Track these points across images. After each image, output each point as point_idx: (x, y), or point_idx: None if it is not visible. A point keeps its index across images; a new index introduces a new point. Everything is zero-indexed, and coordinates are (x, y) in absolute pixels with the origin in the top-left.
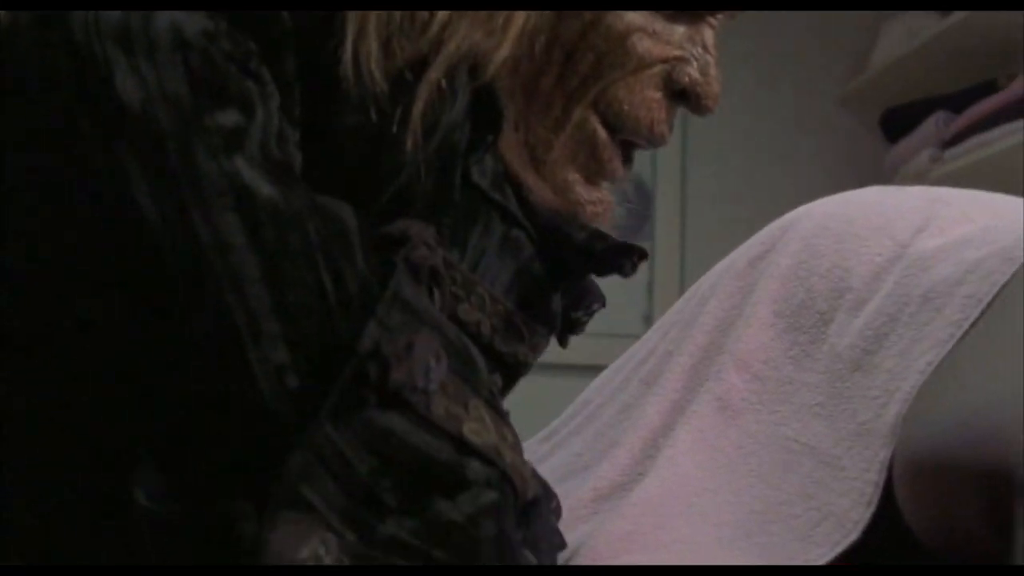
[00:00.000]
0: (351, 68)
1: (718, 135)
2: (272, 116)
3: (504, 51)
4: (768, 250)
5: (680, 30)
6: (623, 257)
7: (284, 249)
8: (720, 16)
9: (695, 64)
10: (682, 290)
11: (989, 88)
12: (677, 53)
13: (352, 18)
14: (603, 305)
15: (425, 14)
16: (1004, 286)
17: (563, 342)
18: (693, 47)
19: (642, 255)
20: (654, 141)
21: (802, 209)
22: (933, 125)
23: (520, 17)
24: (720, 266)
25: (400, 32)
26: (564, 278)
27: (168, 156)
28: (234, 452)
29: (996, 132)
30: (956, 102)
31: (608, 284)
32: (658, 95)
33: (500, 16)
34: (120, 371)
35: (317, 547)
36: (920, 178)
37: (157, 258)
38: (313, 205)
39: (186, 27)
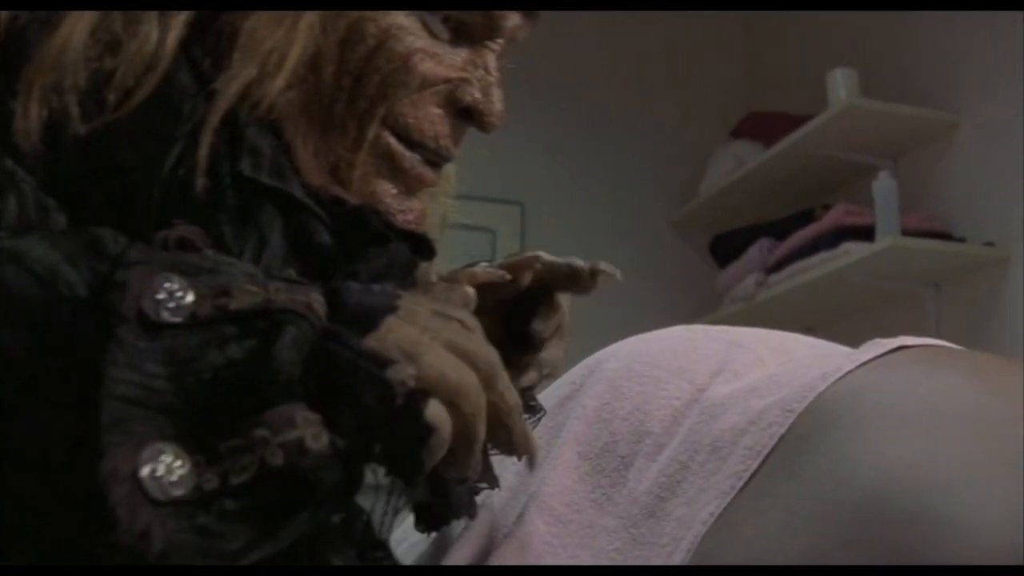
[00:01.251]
0: None
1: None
2: (25, 196)
3: (277, 84)
4: (576, 390)
5: (462, 54)
6: (407, 241)
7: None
8: (500, 41)
9: (477, 85)
10: None
11: (807, 217)
12: (459, 74)
13: None
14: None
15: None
16: (782, 438)
17: None
18: (475, 69)
19: (427, 247)
20: (439, 152)
21: (610, 348)
22: (757, 251)
23: (294, 55)
24: None
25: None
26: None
27: None
28: None
29: (815, 259)
30: (779, 229)
31: None
32: (440, 111)
33: (274, 54)
34: None
35: (156, 455)
36: (747, 301)
37: None
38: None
39: None
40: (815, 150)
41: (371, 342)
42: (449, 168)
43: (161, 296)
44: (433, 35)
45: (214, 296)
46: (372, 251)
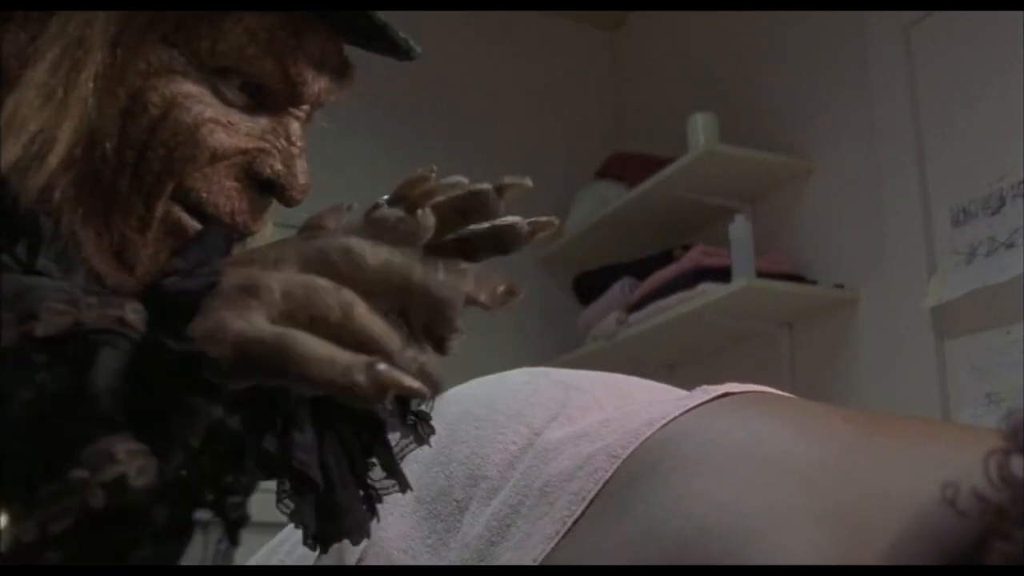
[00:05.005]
0: None
1: None
2: None
3: (48, 167)
4: None
5: (261, 122)
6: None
7: None
8: (306, 108)
9: (278, 156)
10: None
11: (666, 258)
12: (256, 145)
13: None
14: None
15: None
16: (607, 483)
17: None
18: (276, 139)
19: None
20: (238, 228)
21: (451, 391)
22: (619, 290)
23: (65, 135)
24: None
25: None
26: None
27: None
28: None
29: (673, 298)
30: (639, 269)
31: None
32: (237, 184)
33: (41, 135)
34: None
35: None
36: (609, 339)
37: None
38: None
39: None
40: (675, 192)
41: (197, 327)
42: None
43: None
44: (227, 103)
45: (20, 322)
46: (186, 246)
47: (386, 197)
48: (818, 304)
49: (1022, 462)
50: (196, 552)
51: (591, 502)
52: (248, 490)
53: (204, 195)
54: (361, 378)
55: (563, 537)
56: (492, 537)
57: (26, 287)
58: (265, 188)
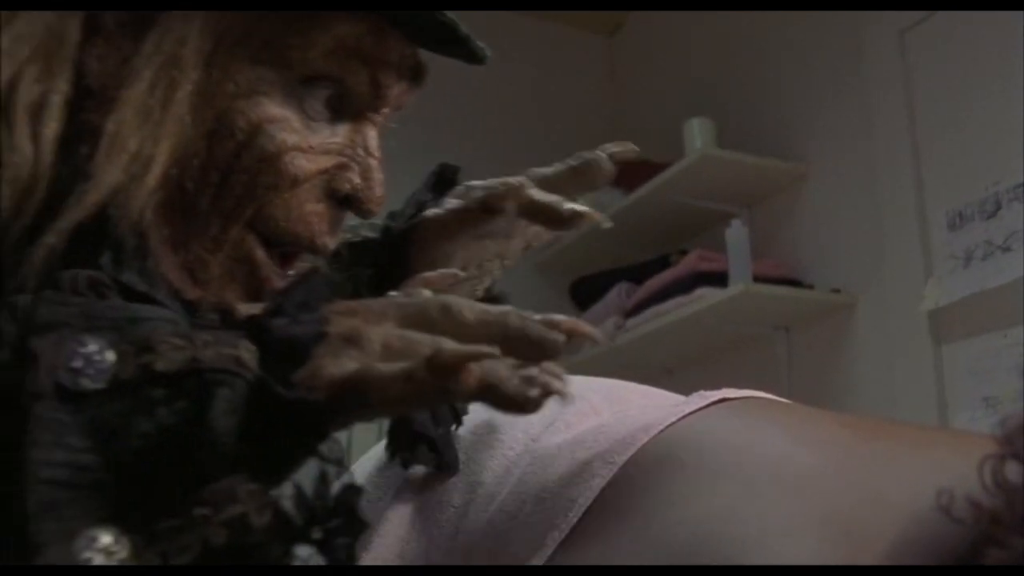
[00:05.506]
0: None
1: None
2: None
3: (146, 188)
4: None
5: (340, 134)
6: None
7: None
8: (385, 111)
9: (356, 169)
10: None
11: (663, 263)
12: (336, 162)
13: None
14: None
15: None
16: (603, 489)
17: None
18: (355, 151)
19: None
20: (317, 252)
21: None
22: (616, 295)
23: (162, 155)
24: None
25: None
26: None
27: None
28: None
29: (670, 303)
30: (636, 274)
31: None
32: (319, 207)
33: (140, 157)
34: None
35: (89, 544)
36: (606, 344)
37: None
38: None
39: None
40: (672, 197)
41: (303, 376)
42: None
43: (78, 364)
44: (310, 119)
45: (136, 353)
46: (291, 287)
47: (478, 183)
48: (815, 308)
49: (1017, 467)
50: None
51: (588, 509)
52: (358, 533)
53: (283, 224)
54: (425, 372)
55: (561, 544)
56: (491, 545)
57: (135, 315)
58: (344, 203)
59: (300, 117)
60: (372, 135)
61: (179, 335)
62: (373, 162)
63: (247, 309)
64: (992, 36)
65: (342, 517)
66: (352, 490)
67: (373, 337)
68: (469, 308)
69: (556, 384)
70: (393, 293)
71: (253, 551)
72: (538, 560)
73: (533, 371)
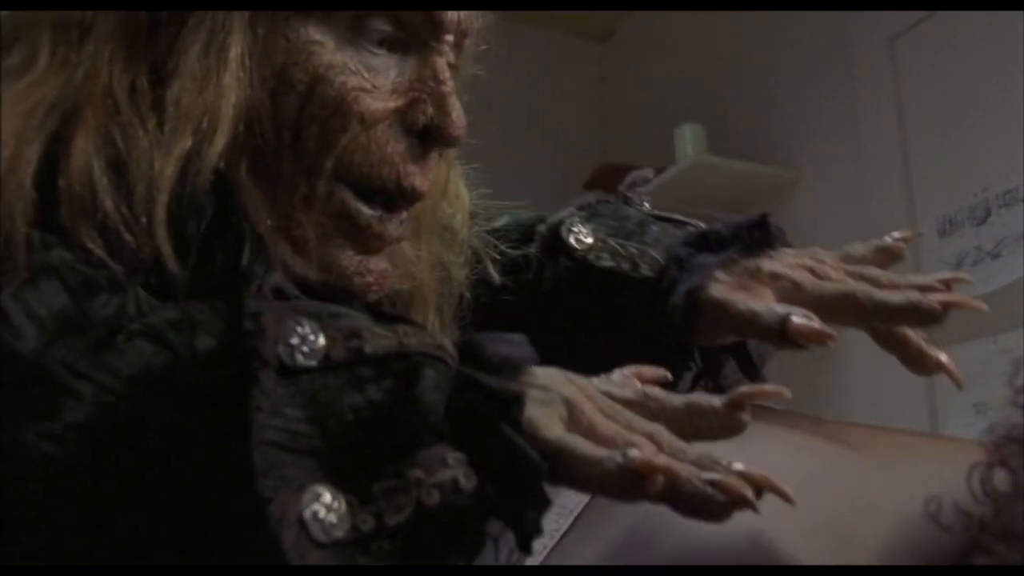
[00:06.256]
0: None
1: None
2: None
3: (212, 158)
4: None
5: (407, 72)
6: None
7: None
8: (449, 38)
9: (428, 100)
10: None
11: None
12: (407, 100)
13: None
14: None
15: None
16: (593, 496)
17: None
18: (424, 84)
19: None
20: (406, 194)
21: None
22: None
23: (226, 117)
24: None
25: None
26: None
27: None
28: None
29: None
30: None
31: None
32: (400, 146)
33: (203, 125)
34: None
35: (315, 498)
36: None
37: None
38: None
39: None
40: (664, 203)
41: (515, 386)
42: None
43: (295, 340)
44: (368, 61)
45: (345, 339)
46: (490, 341)
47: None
48: None
49: (1005, 475)
50: (488, 561)
51: (579, 516)
52: (543, 508)
53: (367, 168)
54: (613, 466)
55: (551, 551)
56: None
57: (335, 311)
58: (424, 137)
59: (358, 61)
60: (440, 64)
61: (382, 326)
62: (445, 89)
63: (355, 266)
64: (981, 42)
65: (532, 496)
66: (536, 467)
67: (586, 410)
68: (669, 399)
69: (743, 491)
70: (615, 376)
71: (464, 514)
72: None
73: (718, 475)
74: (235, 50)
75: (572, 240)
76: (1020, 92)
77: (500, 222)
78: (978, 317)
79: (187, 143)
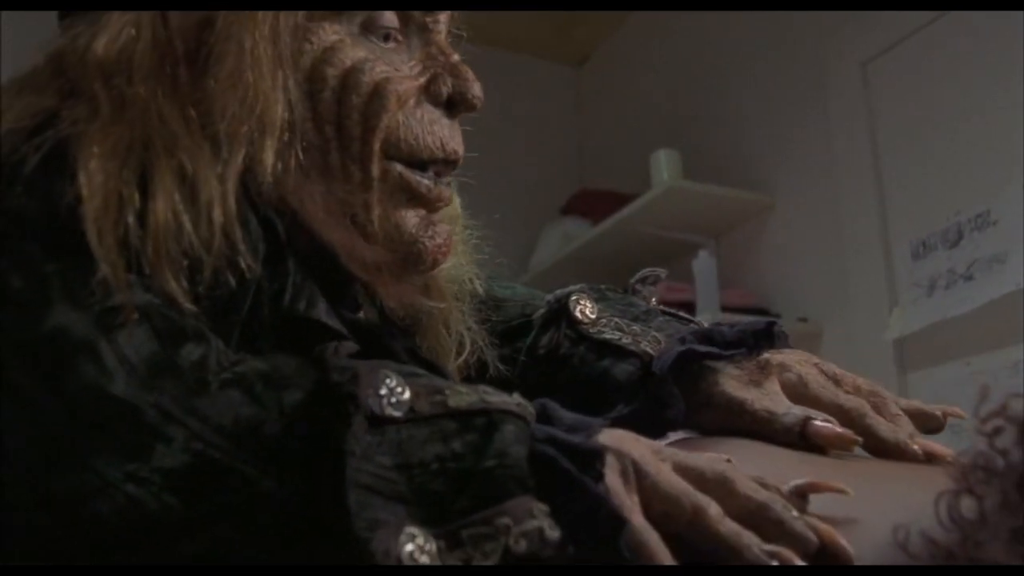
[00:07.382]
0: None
1: None
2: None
3: (269, 156)
4: None
5: (416, 53)
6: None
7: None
8: (442, 17)
9: (445, 71)
10: None
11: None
12: (427, 76)
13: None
14: None
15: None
16: None
17: None
18: (435, 59)
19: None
20: (450, 158)
21: None
22: None
23: (273, 120)
24: None
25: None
26: None
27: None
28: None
29: None
30: None
31: None
32: (436, 114)
33: (254, 129)
34: None
35: (411, 538)
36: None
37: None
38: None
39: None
40: (639, 228)
41: (594, 443)
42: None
43: (383, 392)
44: (383, 54)
45: (428, 394)
46: (558, 423)
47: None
48: None
49: (971, 503)
50: None
51: None
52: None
53: (413, 141)
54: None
55: None
56: None
57: (414, 371)
58: (451, 106)
59: (377, 54)
60: (442, 39)
61: (463, 385)
62: (455, 58)
63: (423, 230)
64: (952, 66)
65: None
66: (619, 520)
67: (651, 471)
68: (742, 483)
69: (793, 559)
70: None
71: (548, 564)
72: None
73: (777, 548)
74: (267, 64)
75: (578, 312)
76: (992, 116)
77: (501, 293)
78: (952, 340)
79: (240, 158)
